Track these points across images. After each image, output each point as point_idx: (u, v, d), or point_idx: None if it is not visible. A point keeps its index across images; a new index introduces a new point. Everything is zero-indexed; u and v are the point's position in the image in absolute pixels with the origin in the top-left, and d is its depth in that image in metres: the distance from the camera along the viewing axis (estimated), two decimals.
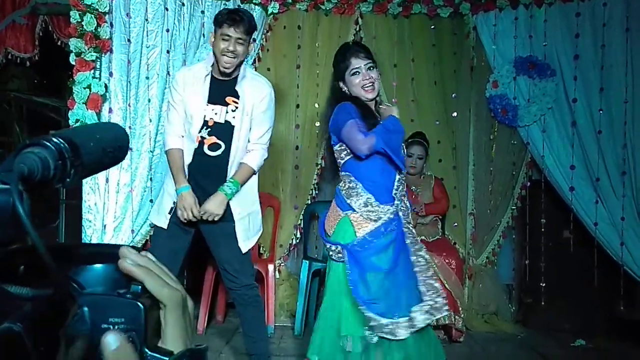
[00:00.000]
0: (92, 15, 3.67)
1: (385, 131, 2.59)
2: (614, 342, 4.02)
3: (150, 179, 3.91)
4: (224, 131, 2.86)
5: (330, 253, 2.68)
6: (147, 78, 3.90)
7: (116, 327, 0.52)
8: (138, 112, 3.90)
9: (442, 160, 4.52)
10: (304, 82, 4.50)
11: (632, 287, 3.96)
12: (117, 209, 3.84)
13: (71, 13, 3.70)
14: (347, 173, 2.69)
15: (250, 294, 2.95)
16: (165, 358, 0.53)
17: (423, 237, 4.20)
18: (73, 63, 3.71)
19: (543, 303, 4.19)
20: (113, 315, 0.52)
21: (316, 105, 4.44)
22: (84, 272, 0.56)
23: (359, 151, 2.58)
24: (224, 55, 2.78)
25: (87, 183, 3.76)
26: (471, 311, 4.32)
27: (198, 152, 2.86)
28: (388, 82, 4.43)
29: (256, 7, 4.31)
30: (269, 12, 4.38)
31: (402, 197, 2.69)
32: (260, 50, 4.41)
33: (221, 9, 4.10)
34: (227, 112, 2.86)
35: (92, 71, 3.71)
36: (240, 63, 2.87)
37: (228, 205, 2.86)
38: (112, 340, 0.50)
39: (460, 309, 3.97)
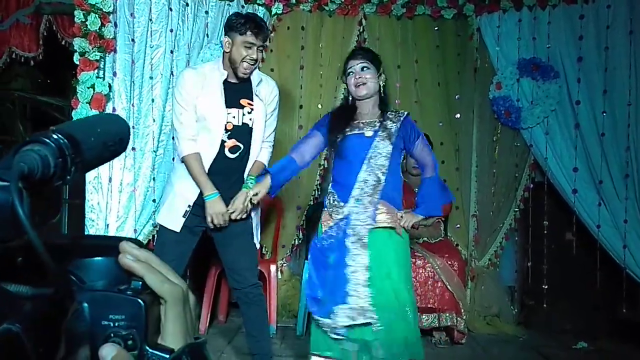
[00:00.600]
0: (96, 15, 3.67)
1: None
2: (616, 344, 4.01)
3: (153, 178, 3.91)
4: (242, 133, 2.90)
5: None
6: (151, 78, 3.91)
7: (116, 324, 0.52)
8: (142, 112, 3.90)
9: (445, 161, 4.51)
10: (308, 83, 4.51)
11: (635, 290, 3.94)
12: (120, 208, 3.84)
13: (75, 13, 3.71)
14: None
15: (254, 293, 2.96)
16: (166, 356, 0.53)
17: (425, 239, 4.21)
18: (77, 63, 3.71)
19: (545, 305, 4.19)
20: (113, 312, 0.52)
21: (319, 106, 4.44)
22: (84, 266, 0.56)
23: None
24: (244, 62, 2.82)
25: (90, 182, 3.77)
26: (473, 313, 4.31)
27: (219, 155, 2.88)
28: (391, 84, 4.42)
29: (260, 7, 4.32)
30: (272, 13, 4.39)
31: (369, 198, 2.76)
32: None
33: (225, 10, 4.15)
34: (243, 115, 2.90)
35: (96, 71, 3.72)
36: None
37: None
38: (108, 352, 0.50)
39: (462, 310, 3.97)
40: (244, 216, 2.88)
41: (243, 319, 3.08)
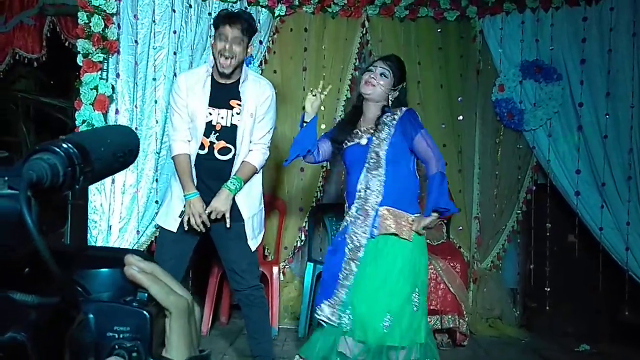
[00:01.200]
0: (100, 17, 3.68)
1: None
2: (618, 347, 4.00)
3: (156, 180, 3.92)
4: (231, 134, 2.89)
5: None
6: (154, 79, 3.91)
7: (121, 335, 0.52)
8: (145, 113, 3.91)
9: (447, 163, 4.46)
10: (310, 85, 4.49)
11: (637, 292, 3.93)
12: (122, 209, 3.85)
13: (79, 14, 3.71)
14: None
15: (256, 295, 2.97)
16: None
17: (428, 241, 4.20)
18: (80, 64, 3.71)
19: (547, 307, 4.18)
20: (118, 324, 0.52)
21: (322, 107, 4.43)
22: (90, 277, 0.55)
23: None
24: (221, 55, 2.81)
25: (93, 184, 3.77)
26: (475, 315, 4.31)
27: (209, 156, 2.89)
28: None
29: (263, 9, 4.32)
30: (275, 15, 4.39)
31: (370, 206, 2.79)
32: (266, 53, 4.41)
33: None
34: (232, 116, 2.89)
35: (99, 72, 3.72)
36: (240, 65, 2.88)
37: (236, 205, 2.89)
38: None
39: (464, 312, 3.97)
40: (226, 215, 2.83)
41: (245, 321, 3.09)
